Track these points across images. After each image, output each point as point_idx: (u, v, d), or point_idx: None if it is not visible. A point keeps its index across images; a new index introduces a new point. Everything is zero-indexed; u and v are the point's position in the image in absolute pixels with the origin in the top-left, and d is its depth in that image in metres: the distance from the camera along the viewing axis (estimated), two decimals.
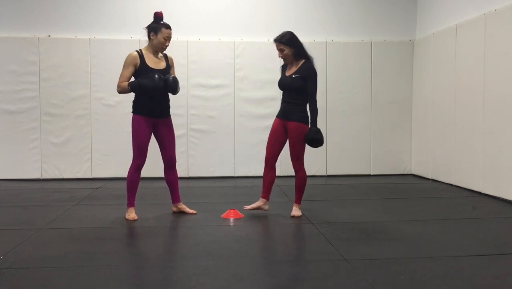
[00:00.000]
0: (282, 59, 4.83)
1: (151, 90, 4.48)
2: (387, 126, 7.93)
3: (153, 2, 7.52)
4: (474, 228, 4.42)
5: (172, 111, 7.55)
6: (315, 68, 4.69)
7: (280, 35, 4.69)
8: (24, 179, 7.41)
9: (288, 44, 4.64)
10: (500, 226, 4.50)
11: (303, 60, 4.69)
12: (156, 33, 4.60)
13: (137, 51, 4.62)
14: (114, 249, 3.87)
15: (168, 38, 4.64)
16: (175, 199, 5.01)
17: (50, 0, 7.50)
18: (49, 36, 7.45)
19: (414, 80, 7.89)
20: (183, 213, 5.01)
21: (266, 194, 4.89)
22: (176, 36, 7.61)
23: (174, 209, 5.04)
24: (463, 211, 5.19)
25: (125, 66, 4.55)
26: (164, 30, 4.61)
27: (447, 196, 6.06)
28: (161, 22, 4.65)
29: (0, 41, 7.34)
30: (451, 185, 6.74)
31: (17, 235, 4.17)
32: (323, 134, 4.72)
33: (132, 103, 4.70)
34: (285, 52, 4.65)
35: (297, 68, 4.67)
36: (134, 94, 4.67)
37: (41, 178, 7.47)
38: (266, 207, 4.92)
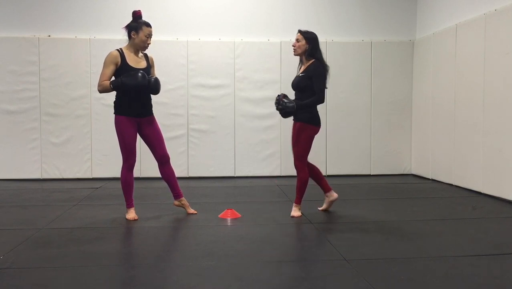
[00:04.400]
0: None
1: (134, 88, 4.46)
2: (387, 126, 7.93)
3: (153, 2, 7.54)
4: (474, 228, 4.42)
5: (172, 111, 7.66)
6: (324, 68, 4.74)
7: (306, 30, 4.84)
8: (24, 179, 7.41)
9: (307, 39, 4.76)
10: (500, 226, 4.50)
11: (313, 60, 4.76)
12: (137, 31, 4.58)
13: (117, 50, 4.59)
14: (114, 249, 3.87)
15: (149, 36, 4.63)
16: (177, 194, 4.98)
17: (50, 0, 7.50)
18: (49, 36, 7.45)
19: (414, 80, 7.89)
20: (183, 212, 5.01)
21: (324, 188, 5.01)
22: (176, 36, 7.67)
23: (176, 203, 5.00)
24: (463, 211, 5.19)
25: (105, 65, 4.52)
26: (145, 28, 4.59)
27: (447, 196, 6.06)
28: (140, 20, 4.64)
29: (0, 41, 7.35)
30: (451, 185, 6.74)
31: (17, 235, 4.17)
32: (290, 112, 4.73)
33: (113, 104, 4.67)
34: (299, 43, 4.74)
35: (305, 67, 4.78)
36: (115, 95, 4.64)
37: (41, 178, 7.47)
38: (334, 196, 5.02)
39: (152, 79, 4.58)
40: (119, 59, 4.53)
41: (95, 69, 7.41)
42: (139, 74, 4.47)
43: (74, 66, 7.45)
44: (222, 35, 7.72)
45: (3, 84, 7.35)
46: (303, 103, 4.65)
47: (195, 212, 5.01)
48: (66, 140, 7.47)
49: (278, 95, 4.80)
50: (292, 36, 5.01)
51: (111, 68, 4.51)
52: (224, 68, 7.66)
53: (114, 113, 4.64)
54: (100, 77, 4.53)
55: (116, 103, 4.64)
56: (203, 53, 7.63)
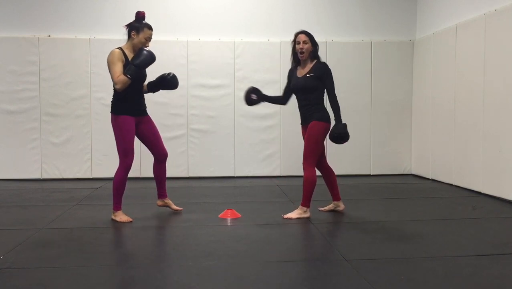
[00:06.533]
0: (291, 62, 4.89)
1: (150, 63, 4.48)
2: (387, 126, 7.92)
3: (153, 2, 7.53)
4: (474, 228, 4.42)
5: (172, 111, 7.66)
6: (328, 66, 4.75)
7: (306, 31, 4.80)
8: (24, 179, 7.40)
9: (312, 40, 4.74)
10: (500, 226, 4.50)
11: (315, 60, 4.74)
12: (138, 32, 4.57)
13: (118, 48, 4.56)
14: (114, 249, 3.88)
15: (149, 38, 4.62)
16: (163, 194, 5.00)
17: (50, 0, 7.50)
18: (49, 36, 7.45)
19: (414, 80, 7.89)
20: (183, 212, 5.00)
21: (334, 196, 4.99)
22: (176, 36, 7.67)
23: (160, 203, 5.02)
24: (463, 211, 5.19)
25: (113, 62, 4.46)
26: (146, 30, 4.59)
27: (447, 196, 6.06)
28: (143, 22, 4.62)
29: (0, 41, 7.34)
30: (451, 185, 6.74)
31: (17, 235, 4.17)
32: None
33: (111, 104, 4.62)
34: (307, 45, 4.70)
35: (310, 68, 4.72)
36: (113, 94, 4.61)
37: (41, 178, 7.47)
38: (341, 207, 5.00)
39: (171, 75, 4.75)
40: (123, 57, 4.51)
41: (95, 69, 7.41)
42: (144, 51, 4.48)
43: (74, 66, 7.45)
44: (222, 35, 7.72)
45: (3, 84, 7.35)
46: (338, 115, 4.72)
47: (181, 208, 5.01)
48: (66, 140, 7.47)
49: (247, 92, 5.00)
50: (292, 36, 4.94)
51: (120, 64, 4.46)
52: (224, 68, 7.66)
53: (113, 112, 4.59)
54: (113, 76, 4.45)
55: (114, 103, 4.60)
56: (203, 53, 7.62)
